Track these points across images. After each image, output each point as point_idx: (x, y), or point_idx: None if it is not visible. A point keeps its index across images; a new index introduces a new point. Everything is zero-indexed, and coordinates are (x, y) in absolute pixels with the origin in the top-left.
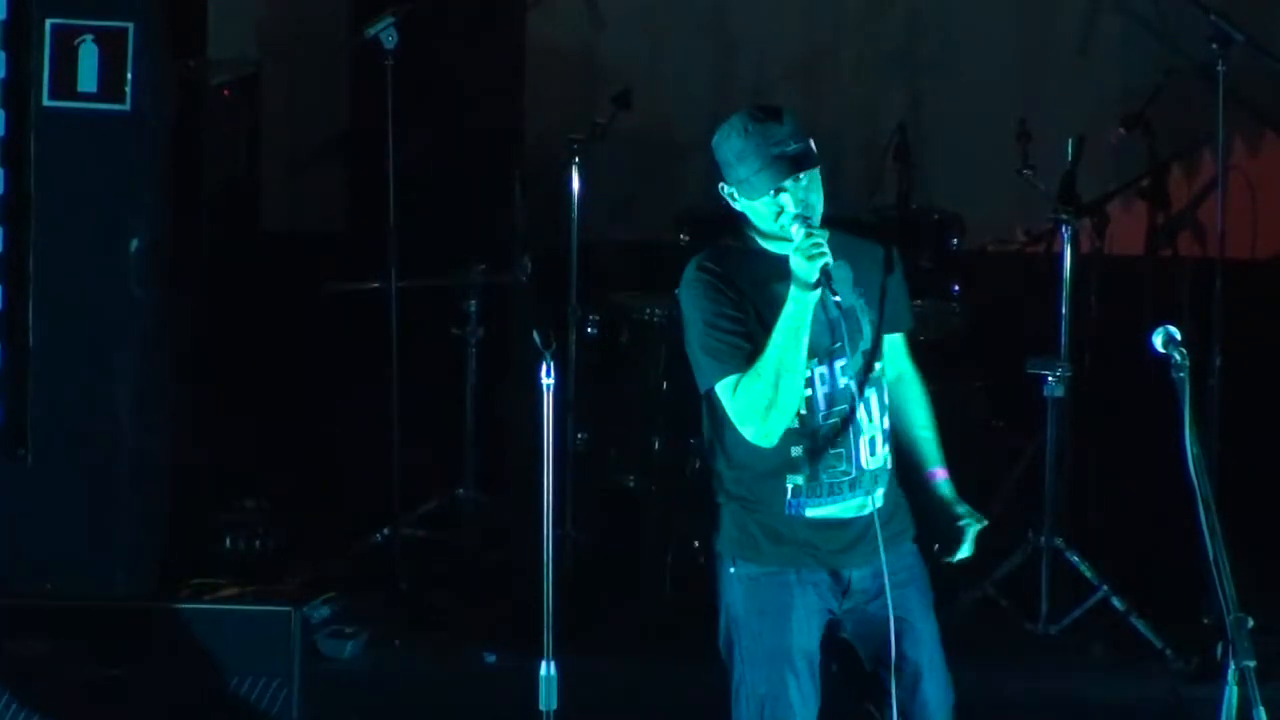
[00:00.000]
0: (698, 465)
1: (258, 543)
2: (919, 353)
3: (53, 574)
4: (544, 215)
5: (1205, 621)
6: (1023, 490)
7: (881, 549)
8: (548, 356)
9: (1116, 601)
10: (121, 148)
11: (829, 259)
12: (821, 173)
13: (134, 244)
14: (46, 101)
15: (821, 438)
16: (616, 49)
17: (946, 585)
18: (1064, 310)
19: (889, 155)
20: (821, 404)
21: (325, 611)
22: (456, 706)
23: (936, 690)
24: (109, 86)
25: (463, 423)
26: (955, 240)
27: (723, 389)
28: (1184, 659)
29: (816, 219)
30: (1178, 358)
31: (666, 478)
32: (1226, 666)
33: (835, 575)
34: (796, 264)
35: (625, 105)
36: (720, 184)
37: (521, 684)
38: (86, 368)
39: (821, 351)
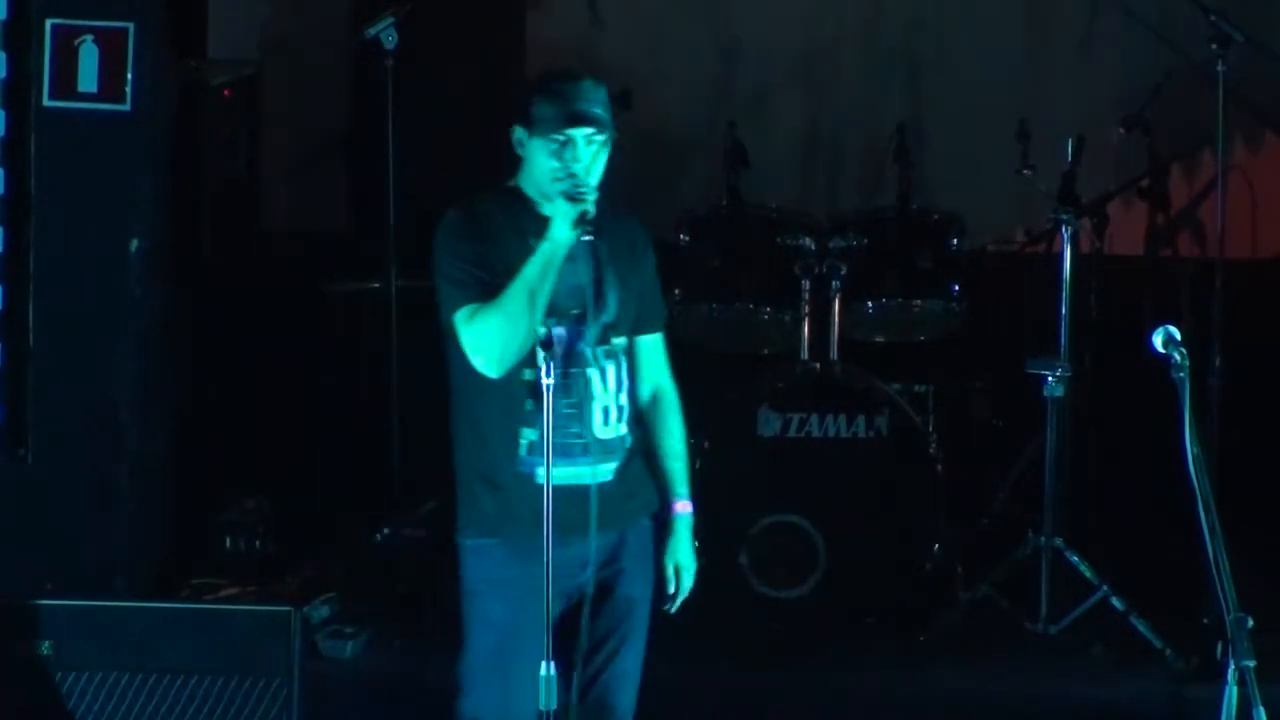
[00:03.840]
0: (698, 465)
1: (258, 543)
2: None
3: (53, 574)
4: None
5: (1205, 621)
6: (1023, 490)
7: (593, 525)
8: (547, 356)
9: (1116, 601)
10: (121, 148)
11: (589, 208)
12: (611, 158)
13: (134, 244)
14: (46, 101)
15: (558, 391)
16: (616, 49)
17: (946, 585)
18: (1064, 310)
19: (889, 155)
20: (557, 360)
21: (325, 611)
22: None
23: (620, 684)
24: (109, 86)
25: None
26: (955, 240)
27: (460, 317)
28: (1184, 659)
29: (589, 184)
30: (1178, 358)
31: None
32: (1226, 666)
33: (571, 545)
34: (559, 205)
35: (625, 105)
36: (514, 127)
37: None
38: (86, 368)
39: (562, 312)
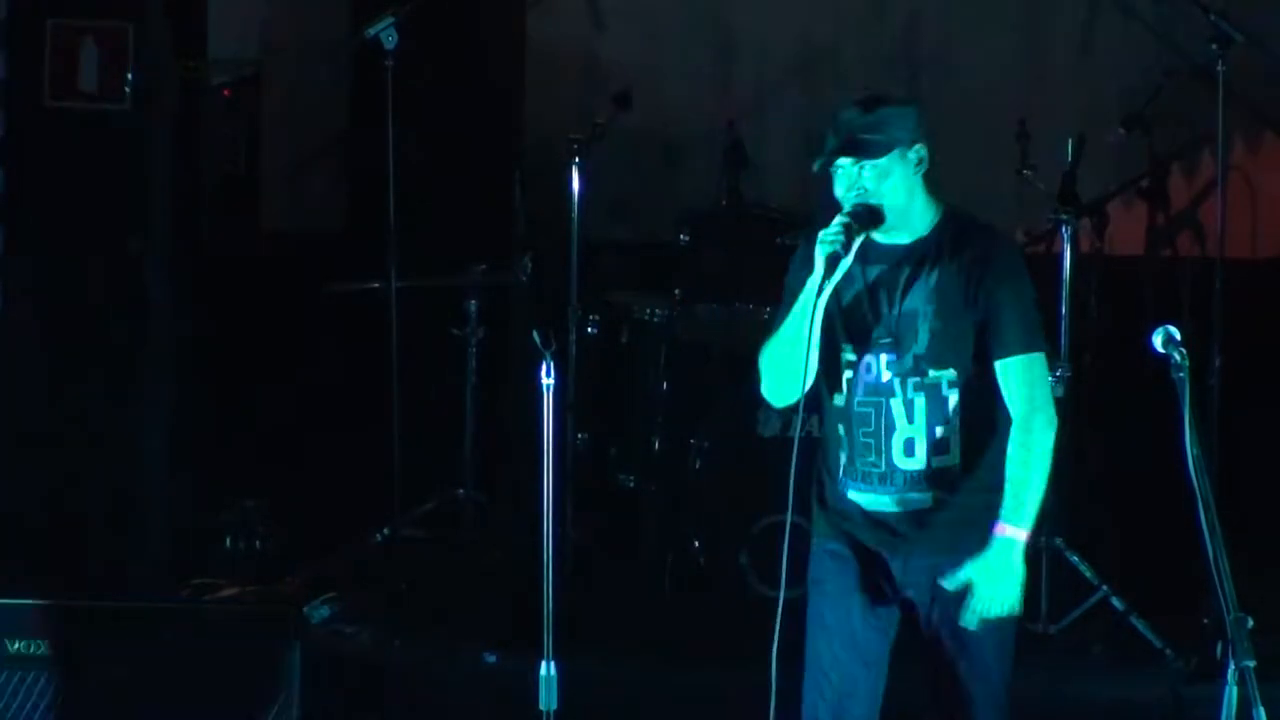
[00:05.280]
0: (698, 465)
1: (258, 543)
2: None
3: (53, 574)
4: (544, 215)
5: (1205, 621)
6: None
7: (903, 548)
8: (548, 356)
9: (1116, 601)
10: (121, 148)
11: (839, 249)
12: (887, 166)
13: (134, 244)
14: (46, 101)
15: (855, 423)
16: (616, 49)
17: None
18: (1064, 310)
19: None
20: (859, 390)
21: (325, 611)
22: (456, 706)
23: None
24: (109, 86)
25: (463, 423)
26: None
27: None
28: (1184, 659)
29: (880, 207)
30: (1178, 358)
31: (666, 478)
32: (1226, 666)
33: (881, 560)
34: (818, 245)
35: (625, 105)
36: None
37: (521, 684)
38: (87, 367)
39: (866, 340)
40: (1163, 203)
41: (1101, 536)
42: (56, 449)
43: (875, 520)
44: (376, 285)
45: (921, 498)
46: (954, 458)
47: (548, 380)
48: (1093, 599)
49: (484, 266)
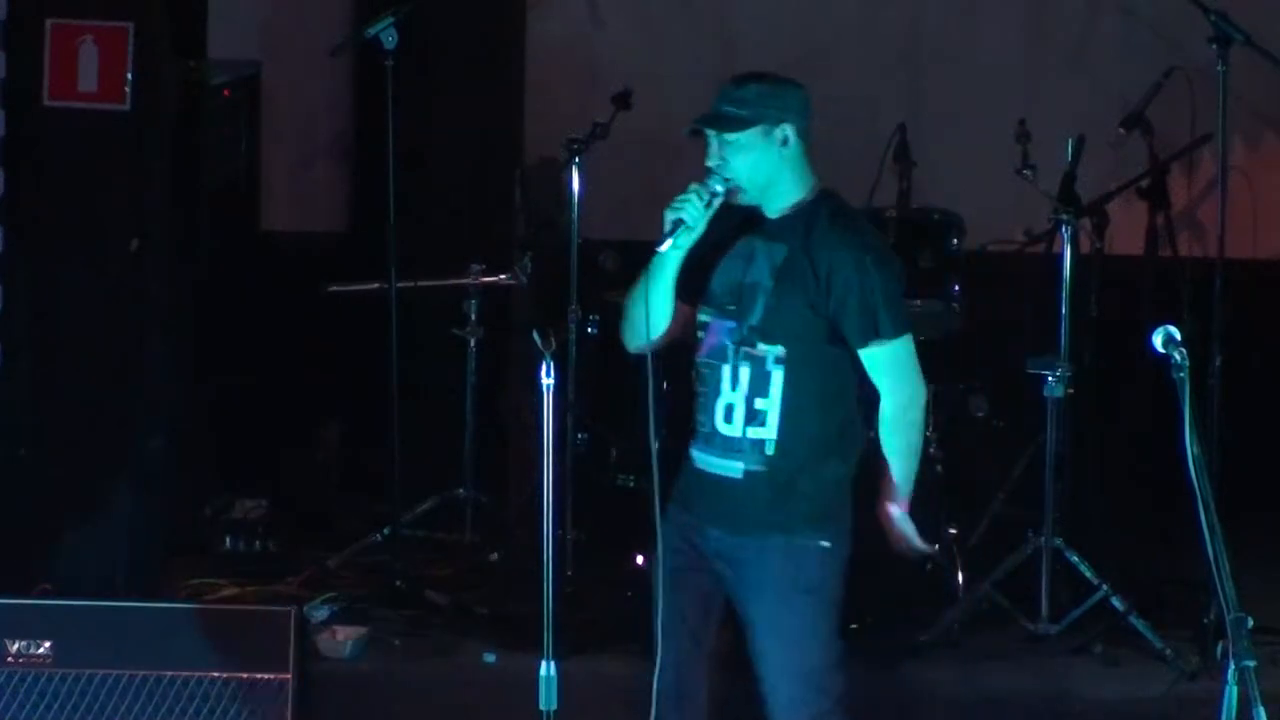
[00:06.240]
0: None
1: (258, 543)
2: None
3: (53, 574)
4: (544, 215)
5: (1205, 621)
6: (1023, 490)
7: (709, 512)
8: (548, 356)
9: (1116, 601)
10: (121, 148)
11: (684, 215)
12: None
13: (134, 244)
14: (46, 101)
15: (698, 380)
16: (616, 49)
17: (946, 585)
18: (1064, 310)
19: (889, 155)
20: (704, 350)
21: (325, 611)
22: (456, 706)
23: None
24: (109, 86)
25: (463, 423)
26: (955, 240)
27: None
28: (1184, 659)
29: (733, 179)
30: (1178, 358)
31: (667, 477)
32: (1226, 666)
33: (699, 522)
34: (666, 211)
35: (625, 105)
36: None
37: (521, 684)
38: (87, 368)
39: (718, 305)
40: (1163, 203)
41: (1101, 536)
42: (56, 449)
43: (699, 476)
44: (377, 285)
45: (732, 465)
46: (769, 432)
47: (548, 380)
48: (1093, 599)
49: (484, 266)
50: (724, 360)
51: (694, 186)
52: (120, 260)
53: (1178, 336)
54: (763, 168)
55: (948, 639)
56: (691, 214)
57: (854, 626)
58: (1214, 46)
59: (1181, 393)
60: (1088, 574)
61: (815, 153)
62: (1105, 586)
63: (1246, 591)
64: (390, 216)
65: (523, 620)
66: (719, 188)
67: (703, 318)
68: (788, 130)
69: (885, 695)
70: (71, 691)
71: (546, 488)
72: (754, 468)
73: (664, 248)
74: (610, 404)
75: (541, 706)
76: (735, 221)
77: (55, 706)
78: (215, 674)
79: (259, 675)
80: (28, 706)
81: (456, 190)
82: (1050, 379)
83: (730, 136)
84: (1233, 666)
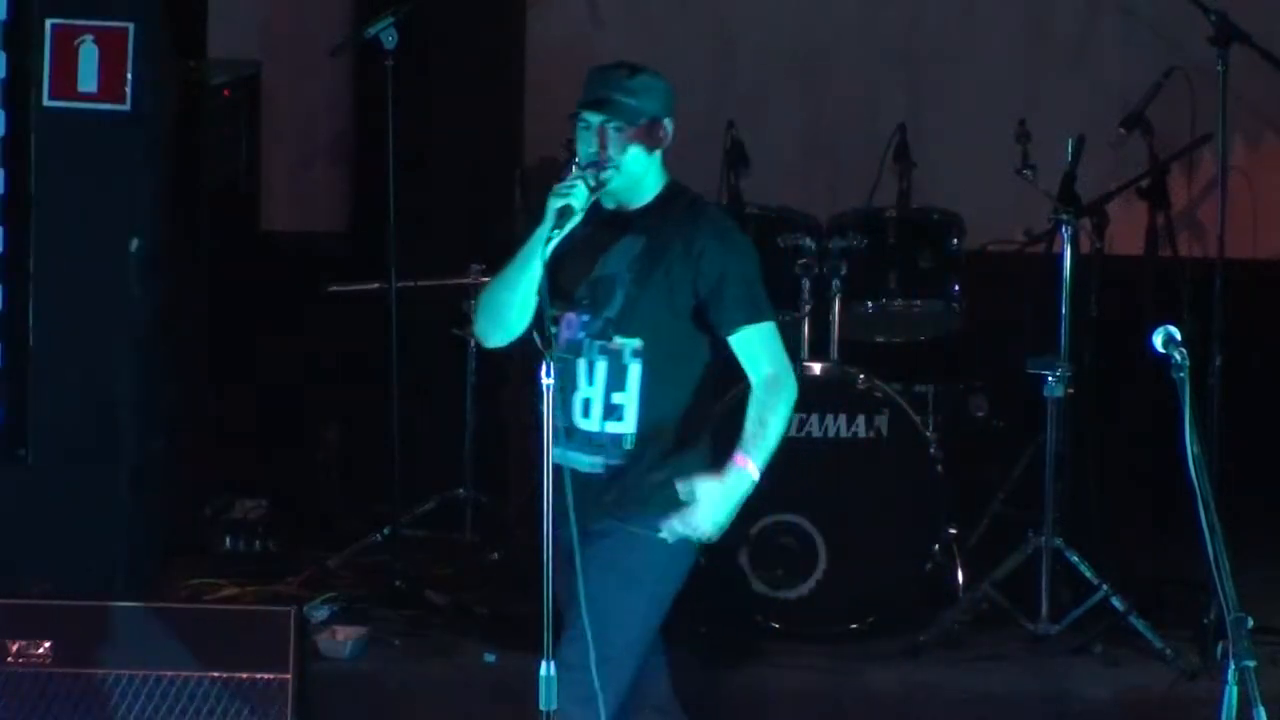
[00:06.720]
0: None
1: (258, 543)
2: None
3: (53, 574)
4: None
5: (1205, 621)
6: (1023, 490)
7: (572, 512)
8: (548, 356)
9: (1116, 601)
10: (121, 148)
11: (572, 202)
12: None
13: (134, 244)
14: (46, 101)
15: (554, 376)
16: (616, 49)
17: (946, 585)
18: (1064, 310)
19: (889, 155)
20: (559, 344)
21: (325, 611)
22: (456, 706)
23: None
24: (109, 86)
25: (463, 423)
26: (955, 240)
27: None
28: (1184, 659)
29: (619, 169)
30: (1178, 358)
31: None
32: (1226, 666)
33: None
34: (550, 196)
35: None
36: None
37: (521, 684)
38: (86, 368)
39: (569, 297)
40: (1163, 203)
41: (1101, 536)
42: (56, 449)
43: (555, 471)
44: (377, 285)
45: (592, 461)
46: (628, 426)
47: (548, 380)
48: (1093, 599)
49: (484, 267)
50: (579, 355)
51: (579, 173)
52: (120, 260)
53: (1178, 336)
54: (642, 160)
55: (948, 639)
56: (579, 201)
57: (854, 626)
58: (1214, 46)
59: (1181, 393)
60: (1088, 574)
61: (815, 153)
62: (1105, 586)
63: (1246, 591)
64: (390, 216)
65: (523, 620)
66: (606, 175)
67: (553, 311)
68: (668, 126)
69: (885, 695)
70: (71, 691)
71: (546, 488)
72: (615, 462)
73: (553, 239)
74: None
75: (541, 706)
76: (585, 215)
77: (55, 706)
78: (215, 674)
79: (259, 675)
80: (28, 706)
81: (456, 190)
82: (1050, 379)
83: (621, 125)
84: (1233, 666)
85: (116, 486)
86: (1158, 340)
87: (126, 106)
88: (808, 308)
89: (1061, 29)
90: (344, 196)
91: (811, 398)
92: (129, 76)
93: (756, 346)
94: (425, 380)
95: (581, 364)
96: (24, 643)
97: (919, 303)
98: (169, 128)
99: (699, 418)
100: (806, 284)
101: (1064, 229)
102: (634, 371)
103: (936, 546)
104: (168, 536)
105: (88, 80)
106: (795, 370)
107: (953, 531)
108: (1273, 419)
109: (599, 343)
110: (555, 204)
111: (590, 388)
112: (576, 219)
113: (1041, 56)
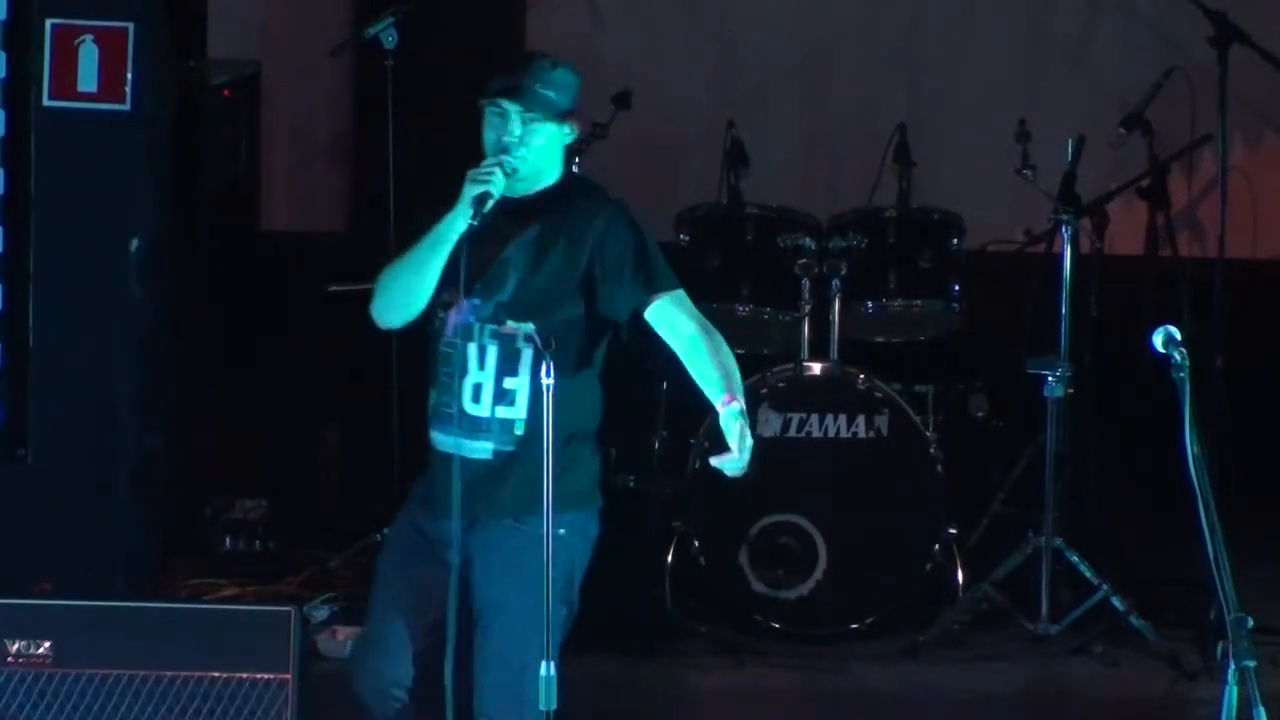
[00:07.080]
0: (697, 465)
1: (258, 543)
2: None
3: (53, 574)
4: None
5: (1205, 621)
6: (1023, 490)
7: (456, 505)
8: (548, 356)
9: (1116, 601)
10: (121, 148)
11: (490, 189)
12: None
13: (134, 244)
14: (46, 101)
15: (441, 360)
16: (616, 49)
17: (946, 585)
18: (1064, 310)
19: (889, 155)
20: (448, 329)
21: (325, 611)
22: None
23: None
24: (109, 86)
25: None
26: (955, 240)
27: None
28: (1184, 659)
29: (519, 159)
30: (1178, 358)
31: (666, 478)
32: (1226, 666)
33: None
34: (466, 184)
35: (625, 105)
36: None
37: None
38: (86, 368)
39: (461, 282)
40: (1163, 203)
41: (1102, 536)
42: (56, 449)
43: (443, 460)
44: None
45: (481, 446)
46: (519, 412)
47: (548, 380)
48: (1093, 599)
49: None
50: (470, 339)
51: (494, 159)
52: (120, 260)
53: (1178, 336)
54: (548, 152)
55: (948, 639)
56: (496, 188)
57: (854, 626)
58: (1214, 46)
59: (1181, 393)
60: (1088, 574)
61: (815, 153)
62: (1105, 586)
63: (1246, 591)
64: (390, 216)
65: None
66: (519, 163)
67: (444, 296)
68: (577, 125)
69: (885, 695)
70: (71, 691)
71: (546, 488)
72: (503, 448)
73: (473, 220)
74: (609, 403)
75: (541, 706)
76: None
77: (55, 706)
78: (215, 674)
79: (259, 675)
80: (28, 706)
81: (456, 191)
82: (1050, 379)
83: (537, 115)
84: (1233, 666)
85: (116, 486)
86: (1158, 340)
87: (126, 106)
88: (808, 308)
89: (1061, 29)
90: (344, 196)
91: (811, 398)
92: (129, 76)
93: (674, 311)
94: (425, 380)
95: (472, 348)
96: (24, 643)
97: (919, 303)
98: (169, 128)
99: (593, 410)
100: (806, 284)
101: (1064, 229)
102: (527, 357)
103: (936, 546)
104: (168, 536)
105: (88, 80)
106: (795, 370)
107: (953, 531)
108: (1273, 419)
109: (490, 327)
110: (473, 190)
111: (481, 373)
112: (491, 204)
113: (1041, 56)
